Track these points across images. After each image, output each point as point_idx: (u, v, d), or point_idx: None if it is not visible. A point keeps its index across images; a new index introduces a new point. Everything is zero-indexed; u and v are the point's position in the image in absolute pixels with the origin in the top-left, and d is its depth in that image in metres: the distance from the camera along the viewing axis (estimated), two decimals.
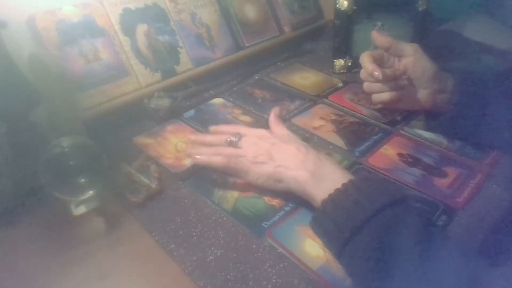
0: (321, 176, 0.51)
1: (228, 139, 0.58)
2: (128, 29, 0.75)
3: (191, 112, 0.77)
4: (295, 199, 0.55)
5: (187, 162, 0.64)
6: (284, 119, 0.73)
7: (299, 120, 0.74)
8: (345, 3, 0.85)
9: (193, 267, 0.48)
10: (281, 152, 0.54)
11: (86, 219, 0.55)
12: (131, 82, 0.73)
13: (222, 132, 0.60)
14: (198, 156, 0.58)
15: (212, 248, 0.50)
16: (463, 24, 0.98)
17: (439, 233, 0.45)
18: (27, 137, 0.58)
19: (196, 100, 0.80)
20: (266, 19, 0.95)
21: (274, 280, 0.46)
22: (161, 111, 0.72)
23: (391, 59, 0.68)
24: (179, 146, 0.68)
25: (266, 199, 0.57)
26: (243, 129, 0.60)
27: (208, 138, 0.62)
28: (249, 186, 0.57)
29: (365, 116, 0.75)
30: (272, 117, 0.62)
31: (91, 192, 0.54)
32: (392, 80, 0.66)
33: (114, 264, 0.49)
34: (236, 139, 0.57)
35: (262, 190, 0.57)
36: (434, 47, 0.75)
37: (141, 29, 0.76)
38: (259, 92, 0.83)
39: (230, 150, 0.57)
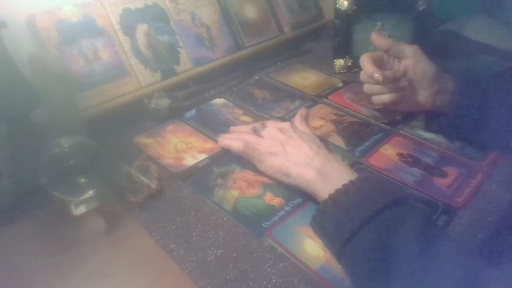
0: (327, 175, 0.51)
1: (254, 127, 0.63)
2: (128, 29, 0.75)
3: (192, 112, 0.77)
4: (300, 196, 0.56)
5: (187, 162, 0.64)
6: (285, 119, 0.73)
7: None
8: (345, 3, 0.85)
9: (193, 267, 0.48)
10: (293, 147, 0.56)
11: (86, 219, 0.55)
12: (131, 82, 0.73)
13: (254, 124, 0.65)
14: (220, 138, 0.64)
15: (212, 248, 0.50)
16: (463, 24, 0.98)
17: (439, 233, 0.45)
18: (27, 137, 0.58)
19: (196, 100, 0.80)
20: (266, 19, 0.95)
21: (274, 280, 0.46)
22: (161, 111, 0.72)
23: (391, 61, 0.68)
24: (179, 146, 0.68)
25: (266, 199, 0.57)
26: (270, 121, 0.64)
27: (242, 127, 0.67)
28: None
29: (365, 116, 0.75)
30: (298, 117, 0.65)
31: (91, 192, 0.54)
32: (392, 82, 0.66)
33: (114, 264, 0.49)
34: (260, 128, 0.62)
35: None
36: (434, 47, 0.75)
37: (141, 29, 0.76)
38: (259, 92, 0.83)
39: (250, 137, 0.61)
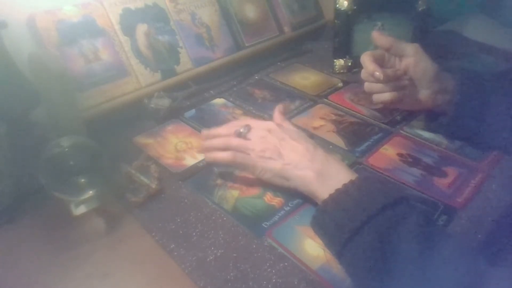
0: (327, 176, 0.51)
1: (237, 131, 0.58)
2: (128, 29, 0.75)
3: (192, 112, 0.77)
4: (300, 196, 0.56)
5: (187, 162, 0.64)
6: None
7: (299, 120, 0.74)
8: (345, 3, 0.85)
9: (193, 267, 0.48)
10: (289, 149, 0.54)
11: (86, 219, 0.55)
12: (131, 82, 0.73)
13: (232, 125, 0.60)
14: (207, 154, 0.59)
15: (212, 248, 0.50)
16: (463, 24, 0.98)
17: (439, 233, 0.45)
18: (27, 137, 0.58)
19: (196, 100, 0.80)
20: (266, 19, 0.95)
21: (274, 280, 0.46)
22: (161, 111, 0.72)
23: (392, 59, 0.68)
24: (179, 146, 0.68)
25: (266, 199, 0.57)
26: (252, 122, 0.59)
27: (219, 130, 0.61)
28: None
29: (365, 116, 0.75)
30: (277, 114, 0.61)
31: (91, 192, 0.54)
32: (393, 81, 0.66)
33: (114, 264, 0.49)
34: (245, 130, 0.57)
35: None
36: (434, 47, 0.75)
37: (141, 29, 0.76)
38: (259, 92, 0.83)
39: (237, 141, 0.57)
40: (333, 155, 0.55)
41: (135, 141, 0.69)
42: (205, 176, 0.61)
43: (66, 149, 0.53)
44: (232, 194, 0.58)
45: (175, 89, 0.77)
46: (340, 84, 0.86)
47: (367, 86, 0.70)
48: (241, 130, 0.57)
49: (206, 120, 0.74)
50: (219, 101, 0.80)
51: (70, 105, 0.64)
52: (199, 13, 0.84)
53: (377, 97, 0.69)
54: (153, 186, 0.57)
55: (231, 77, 0.87)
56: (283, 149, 0.55)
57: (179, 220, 0.54)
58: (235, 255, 0.49)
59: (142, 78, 0.75)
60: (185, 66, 0.80)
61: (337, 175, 0.50)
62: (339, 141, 0.68)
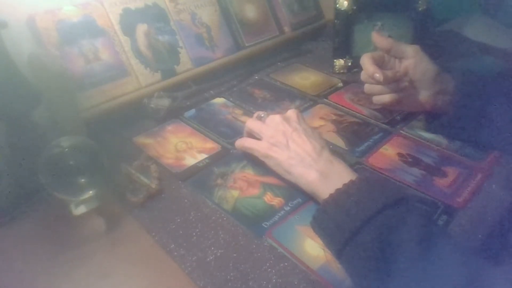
0: (329, 177, 0.51)
1: (259, 114, 0.64)
2: (128, 29, 0.75)
3: (192, 111, 0.77)
4: (300, 196, 0.56)
5: (187, 162, 0.64)
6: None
7: None
8: (345, 3, 0.85)
9: (193, 267, 0.48)
10: (297, 143, 0.56)
11: (86, 219, 0.55)
12: (131, 82, 0.73)
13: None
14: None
15: (212, 248, 0.50)
16: (463, 24, 0.98)
17: (439, 232, 0.45)
18: (27, 137, 0.58)
19: (196, 100, 0.80)
20: (266, 19, 0.95)
21: (274, 280, 0.46)
22: (161, 111, 0.72)
23: (391, 61, 0.68)
24: (179, 146, 0.68)
25: (266, 199, 0.57)
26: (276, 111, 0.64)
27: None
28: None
29: (365, 116, 0.75)
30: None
31: (91, 192, 0.54)
32: (393, 82, 0.66)
33: (114, 264, 0.49)
34: (265, 115, 0.63)
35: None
36: (434, 47, 0.75)
37: (141, 29, 0.76)
38: (259, 92, 0.83)
39: (252, 124, 0.62)
40: (338, 158, 0.55)
41: (135, 141, 0.69)
42: (205, 176, 0.61)
43: (66, 149, 0.53)
44: (232, 194, 0.58)
45: (175, 89, 0.77)
46: (340, 84, 0.86)
47: (367, 87, 0.70)
48: (262, 115, 0.63)
49: (206, 120, 0.74)
50: (219, 100, 0.80)
51: (70, 105, 0.64)
52: (199, 13, 0.84)
53: (377, 99, 0.69)
54: (153, 186, 0.57)
55: (231, 77, 0.87)
56: (291, 140, 0.56)
57: (179, 220, 0.54)
58: (235, 255, 0.49)
59: (142, 78, 0.75)
60: (185, 66, 0.80)
61: (340, 176, 0.50)
62: (339, 141, 0.68)
